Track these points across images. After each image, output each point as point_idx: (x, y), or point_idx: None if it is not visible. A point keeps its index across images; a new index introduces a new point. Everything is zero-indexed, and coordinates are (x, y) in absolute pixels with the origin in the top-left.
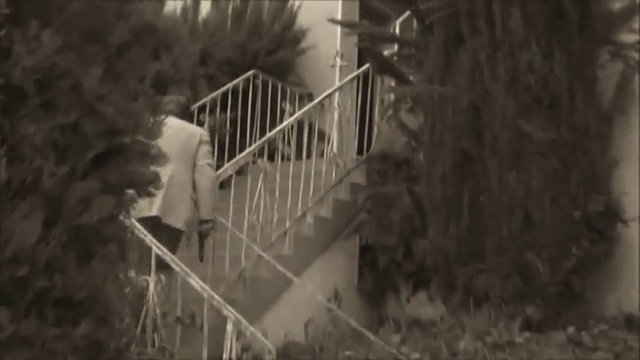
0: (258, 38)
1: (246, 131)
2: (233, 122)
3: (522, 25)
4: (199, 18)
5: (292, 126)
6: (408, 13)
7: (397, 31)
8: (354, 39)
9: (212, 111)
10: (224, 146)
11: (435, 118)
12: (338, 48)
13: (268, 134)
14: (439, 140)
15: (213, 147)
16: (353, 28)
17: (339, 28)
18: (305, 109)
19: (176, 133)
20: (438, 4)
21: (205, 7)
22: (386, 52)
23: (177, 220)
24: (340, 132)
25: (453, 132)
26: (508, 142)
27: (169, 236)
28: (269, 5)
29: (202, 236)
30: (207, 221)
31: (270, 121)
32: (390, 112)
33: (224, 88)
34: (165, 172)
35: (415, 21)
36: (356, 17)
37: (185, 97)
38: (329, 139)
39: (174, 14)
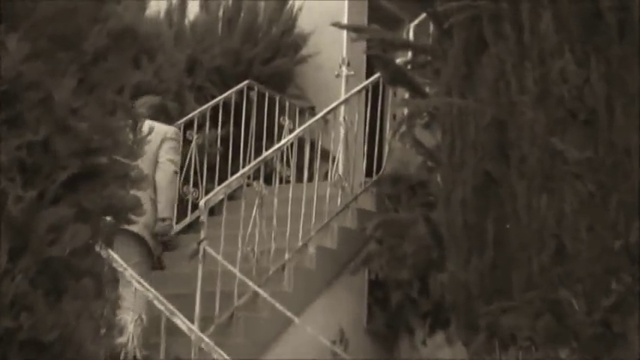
0: (252, 44)
1: (239, 150)
2: (224, 140)
3: (554, 29)
4: (186, 21)
5: (292, 144)
6: (423, 15)
7: (411, 36)
8: (362, 45)
9: (200, 127)
10: (214, 167)
11: (455, 135)
12: (344, 55)
13: (265, 153)
14: (459, 160)
15: (201, 167)
16: (361, 32)
17: (345, 33)
18: (306, 124)
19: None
20: (458, 6)
21: (193, 9)
22: (398, 60)
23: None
24: (346, 151)
25: (475, 151)
26: (538, 162)
27: (129, 245)
28: (265, 6)
29: (160, 236)
30: (163, 219)
31: (266, 138)
32: (404, 128)
33: (214, 101)
34: None
35: (432, 25)
36: (364, 21)
37: (159, 97)
38: (334, 159)
39: (157, 17)
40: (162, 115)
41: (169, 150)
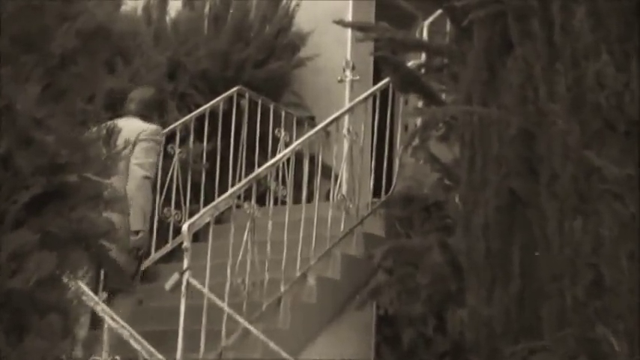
0: (243, 45)
1: (228, 166)
2: (211, 154)
3: (589, 27)
4: (167, 18)
5: (288, 159)
6: (439, 12)
7: (425, 35)
8: (369, 46)
9: (184, 140)
10: (199, 186)
11: (476, 148)
12: (348, 58)
13: (257, 170)
14: (481, 177)
15: (184, 186)
16: (367, 31)
17: (349, 32)
18: (305, 137)
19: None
20: (479, 0)
21: (175, 5)
22: (410, 63)
23: None
24: (351, 167)
25: (499, 167)
26: (571, 179)
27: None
28: (258, 2)
29: (135, 252)
30: (136, 232)
31: (259, 153)
32: (417, 141)
33: (199, 111)
34: None
35: (449, 22)
36: (371, 18)
37: (153, 89)
38: (336, 177)
39: (134, 14)
40: (156, 111)
41: (140, 152)
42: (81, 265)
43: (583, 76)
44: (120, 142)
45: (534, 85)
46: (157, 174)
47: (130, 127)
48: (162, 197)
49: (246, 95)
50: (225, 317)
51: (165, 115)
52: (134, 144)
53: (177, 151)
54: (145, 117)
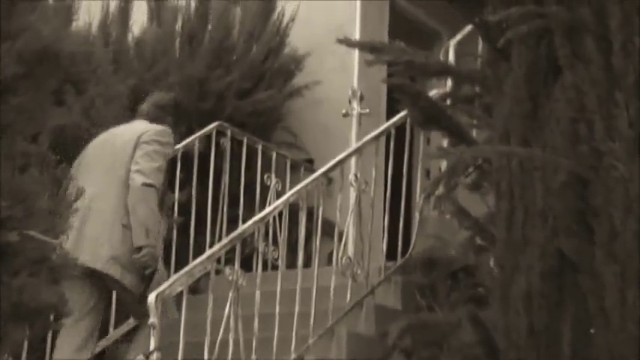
0: (224, 70)
1: (206, 221)
2: (184, 206)
3: None
4: (129, 37)
5: (281, 213)
6: (468, 29)
7: (451, 57)
8: (382, 72)
9: None
10: (170, 245)
11: (515, 199)
12: (355, 86)
13: (242, 227)
14: (521, 236)
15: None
16: (379, 53)
17: (356, 54)
18: (301, 185)
19: (112, 142)
20: (519, 14)
21: (139, 21)
22: (433, 93)
23: (95, 258)
24: (359, 223)
25: (545, 222)
26: (634, 238)
27: (97, 287)
28: (243, 15)
29: (143, 270)
30: (139, 248)
31: (244, 205)
32: (441, 189)
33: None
34: (86, 194)
35: (481, 41)
36: (384, 36)
37: (172, 95)
38: (340, 236)
39: (88, 32)
40: (170, 116)
41: (140, 158)
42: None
43: None
44: (118, 145)
45: (588, 120)
46: (164, 182)
47: (133, 129)
48: None
49: (228, 133)
50: None
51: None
52: (134, 147)
53: None
54: (156, 121)
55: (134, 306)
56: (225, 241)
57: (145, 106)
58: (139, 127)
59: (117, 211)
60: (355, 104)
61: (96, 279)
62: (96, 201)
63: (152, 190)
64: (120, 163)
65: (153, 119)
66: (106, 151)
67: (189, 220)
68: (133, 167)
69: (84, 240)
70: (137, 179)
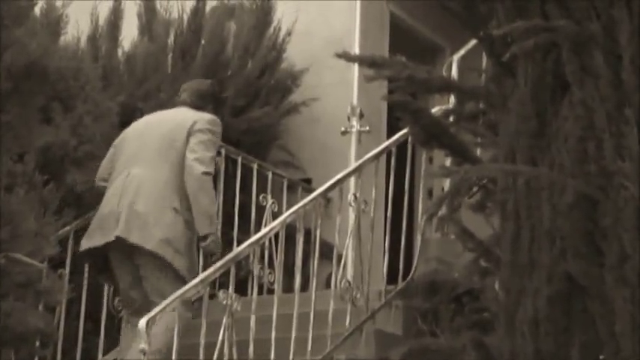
0: (218, 85)
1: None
2: None
3: None
4: (119, 52)
5: (277, 235)
6: (472, 43)
7: (454, 73)
8: (382, 88)
9: None
10: None
11: (521, 220)
12: (354, 103)
13: (237, 249)
14: (528, 258)
15: None
16: (380, 68)
17: (355, 70)
18: (299, 205)
19: (161, 123)
20: (525, 28)
21: (129, 35)
22: (435, 110)
23: (148, 238)
24: (359, 245)
25: (552, 244)
26: None
27: (148, 266)
28: (237, 29)
29: (209, 257)
30: (204, 237)
31: (239, 226)
32: (444, 210)
33: None
34: (134, 175)
35: (485, 56)
36: (385, 51)
37: (209, 81)
38: (339, 258)
39: (76, 47)
40: (210, 104)
41: (197, 146)
42: None
43: None
44: (169, 128)
45: (597, 139)
46: (216, 172)
47: (179, 118)
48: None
49: (222, 152)
50: None
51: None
52: (188, 134)
53: None
54: (197, 108)
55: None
56: (219, 264)
57: (185, 95)
58: (188, 114)
59: (167, 194)
60: (355, 121)
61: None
62: (145, 182)
63: (210, 179)
64: (171, 147)
65: (195, 107)
66: (153, 135)
67: None
68: (191, 155)
69: (133, 220)
70: (197, 168)
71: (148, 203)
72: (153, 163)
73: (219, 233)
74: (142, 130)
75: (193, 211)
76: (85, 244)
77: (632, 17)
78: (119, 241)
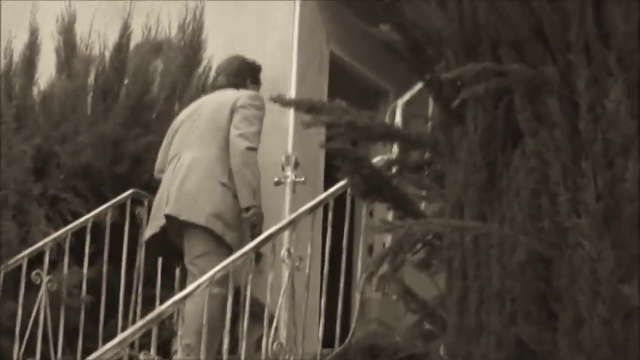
0: (142, 129)
1: (117, 301)
2: (94, 284)
3: (627, 109)
4: (35, 91)
5: None
6: (417, 87)
7: (398, 119)
8: (319, 134)
9: (55, 264)
10: (77, 329)
11: (469, 279)
12: (289, 151)
13: (159, 308)
14: (475, 321)
15: (55, 329)
16: (317, 113)
17: (291, 115)
18: (227, 261)
19: (205, 106)
20: (475, 71)
21: (46, 72)
22: (377, 159)
23: (197, 214)
24: (292, 305)
25: (502, 306)
26: (603, 325)
27: (196, 240)
28: (164, 67)
29: (251, 230)
30: (246, 209)
31: (162, 283)
32: (385, 268)
33: (77, 223)
34: (185, 158)
35: (432, 102)
36: (323, 94)
37: (239, 56)
38: (271, 319)
39: None
40: (248, 78)
41: (240, 122)
42: None
43: (619, 180)
44: (213, 108)
45: (551, 192)
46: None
47: (221, 98)
48: (23, 346)
49: (145, 202)
50: None
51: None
52: (231, 111)
53: (46, 279)
54: (236, 86)
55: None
56: (139, 323)
57: (221, 78)
58: (230, 93)
59: (215, 170)
60: (289, 171)
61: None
62: (194, 163)
63: (254, 154)
64: (217, 126)
65: (234, 86)
66: (200, 118)
67: (100, 299)
68: (235, 131)
69: (182, 198)
70: (241, 143)
71: (196, 181)
72: (200, 145)
73: (261, 206)
74: (189, 116)
75: (236, 184)
76: (147, 232)
77: (590, 62)
78: (170, 220)
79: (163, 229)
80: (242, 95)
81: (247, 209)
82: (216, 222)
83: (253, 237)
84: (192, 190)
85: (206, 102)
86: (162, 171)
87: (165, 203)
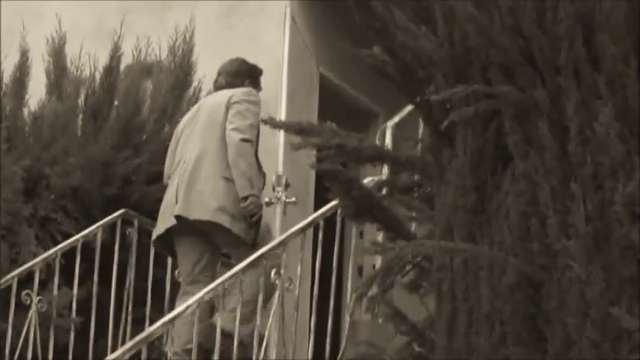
0: (132, 151)
1: (108, 322)
2: (84, 305)
3: (618, 133)
4: (25, 113)
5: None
6: (407, 109)
7: (388, 141)
8: (310, 156)
9: (44, 284)
10: (66, 349)
11: (458, 301)
12: (279, 171)
13: (149, 328)
14: (465, 343)
15: (45, 349)
16: (308, 135)
17: (281, 137)
18: (217, 282)
19: (203, 108)
20: (465, 93)
21: (36, 93)
22: (367, 181)
23: (204, 210)
24: (282, 326)
25: (491, 328)
26: (592, 346)
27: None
28: (154, 91)
29: (249, 219)
30: (244, 199)
31: (152, 304)
32: (375, 289)
33: (68, 242)
34: (189, 159)
35: (421, 124)
36: (313, 116)
37: (239, 58)
38: (261, 339)
39: None
40: (247, 80)
41: (233, 117)
42: None
43: (608, 203)
44: (212, 107)
45: (541, 215)
46: (257, 139)
47: (218, 98)
48: None
49: (135, 223)
50: None
51: None
52: (226, 108)
53: (35, 300)
54: (236, 86)
55: (245, 254)
56: (129, 344)
57: (220, 79)
58: (226, 92)
59: (217, 165)
60: (280, 192)
61: (204, 235)
62: (199, 161)
63: (249, 145)
64: (215, 123)
65: (233, 85)
66: (200, 119)
67: (89, 320)
68: (229, 126)
69: (192, 197)
70: (235, 136)
71: (201, 179)
72: (201, 145)
73: (260, 195)
74: (190, 119)
75: (233, 175)
76: (154, 233)
77: (580, 85)
78: (181, 220)
79: (168, 231)
80: (236, 92)
81: (245, 198)
82: (222, 215)
83: (253, 226)
84: (197, 190)
85: (204, 104)
86: (169, 176)
87: (174, 205)
